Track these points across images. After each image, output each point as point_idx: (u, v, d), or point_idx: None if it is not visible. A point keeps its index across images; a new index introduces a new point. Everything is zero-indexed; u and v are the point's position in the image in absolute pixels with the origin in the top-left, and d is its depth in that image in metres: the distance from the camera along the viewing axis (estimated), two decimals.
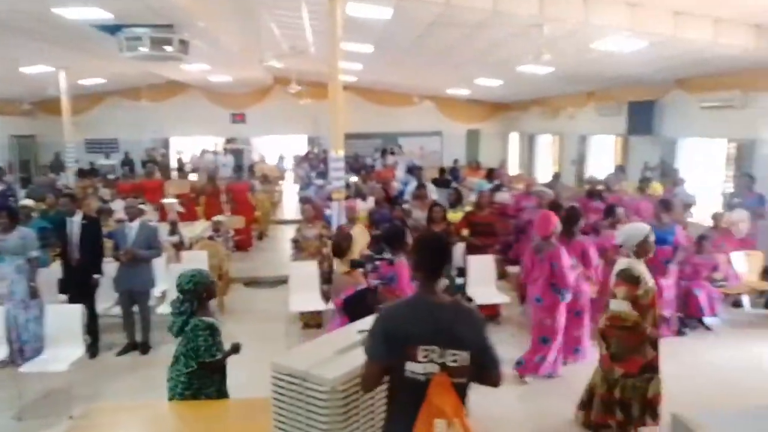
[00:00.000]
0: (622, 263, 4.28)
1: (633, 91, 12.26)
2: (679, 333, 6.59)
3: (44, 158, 17.60)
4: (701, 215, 9.25)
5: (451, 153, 19.57)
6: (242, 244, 10.55)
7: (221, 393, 3.90)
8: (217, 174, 12.81)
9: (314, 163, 16.67)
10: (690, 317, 6.78)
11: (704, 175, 10.73)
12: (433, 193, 9.77)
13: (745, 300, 7.49)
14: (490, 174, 11.40)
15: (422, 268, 2.52)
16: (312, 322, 7.01)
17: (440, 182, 11.67)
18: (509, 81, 14.24)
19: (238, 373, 5.60)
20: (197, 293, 3.78)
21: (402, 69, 14.52)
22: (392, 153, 18.75)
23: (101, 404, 4.79)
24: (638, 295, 4.10)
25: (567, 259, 5.32)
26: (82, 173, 13.98)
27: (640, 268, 4.18)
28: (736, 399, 5.00)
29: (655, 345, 4.22)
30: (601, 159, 14.75)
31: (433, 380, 2.36)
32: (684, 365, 5.78)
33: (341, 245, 4.21)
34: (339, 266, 4.22)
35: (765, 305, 7.47)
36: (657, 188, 9.53)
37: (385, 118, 19.99)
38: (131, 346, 6.44)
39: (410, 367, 2.37)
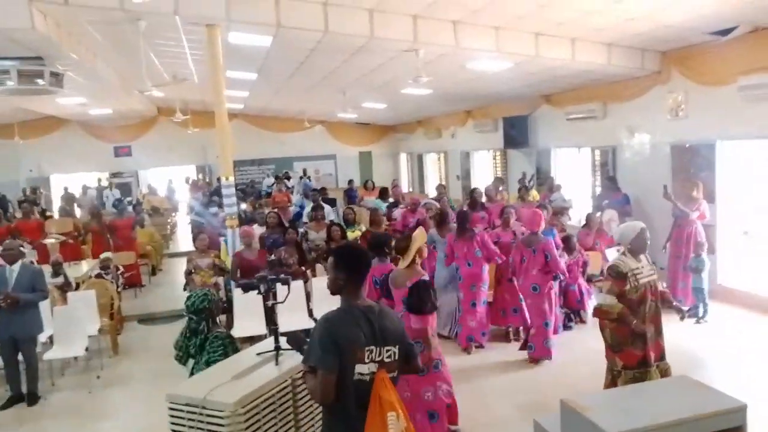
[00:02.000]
0: (614, 259, 4.47)
1: (507, 107, 13.18)
2: (566, 327, 7.18)
3: None
4: (577, 218, 10.06)
5: (345, 175, 19.92)
6: (133, 281, 10.15)
7: None
8: (101, 210, 12.26)
9: (206, 191, 16.32)
10: (571, 310, 7.39)
11: (577, 180, 11.69)
12: (331, 215, 10.00)
13: None
14: (383, 193, 11.77)
15: (348, 277, 2.68)
16: None
17: (326, 201, 12.01)
18: (393, 103, 14.81)
19: (140, 415, 5.49)
20: (211, 311, 4.00)
21: (289, 95, 14.67)
22: (287, 178, 18.77)
23: None
24: (626, 291, 4.22)
25: (555, 249, 6.24)
26: None
27: (632, 264, 4.29)
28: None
29: (644, 339, 4.27)
30: (485, 172, 15.65)
31: (376, 378, 2.57)
32: (573, 354, 6.34)
33: (401, 245, 4.77)
34: (401, 263, 4.74)
35: None
36: (535, 196, 10.27)
37: (279, 144, 20.04)
38: (17, 398, 6.02)
39: (358, 369, 2.55)
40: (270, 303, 3.55)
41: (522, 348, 6.50)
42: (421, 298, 4.30)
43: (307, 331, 3.19)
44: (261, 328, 6.59)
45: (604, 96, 10.19)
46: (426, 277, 4.56)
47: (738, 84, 7.27)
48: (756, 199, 8.14)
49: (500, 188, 11.12)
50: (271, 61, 9.90)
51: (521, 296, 6.62)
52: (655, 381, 4.06)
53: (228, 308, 7.12)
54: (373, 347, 2.59)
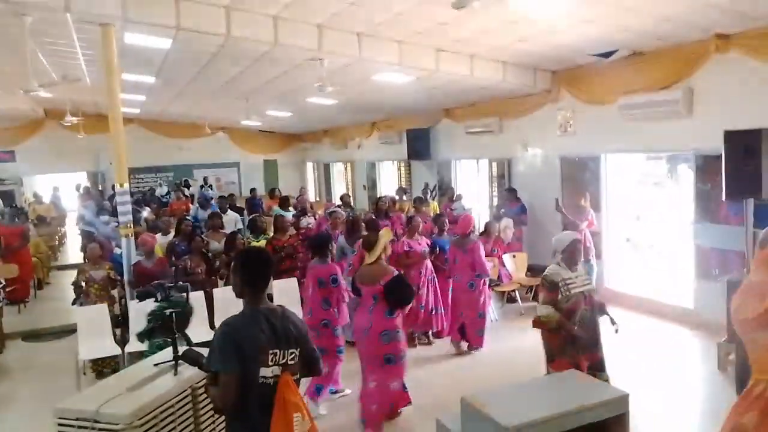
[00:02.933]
0: (547, 269, 4.46)
1: (410, 120, 13.55)
2: None
3: None
4: (477, 226, 10.47)
5: (249, 183, 19.51)
6: (18, 295, 9.41)
7: None
8: None
9: (98, 199, 15.44)
10: None
11: (476, 190, 12.18)
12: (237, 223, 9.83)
13: (517, 294, 8.66)
14: (284, 201, 11.64)
15: (251, 281, 2.70)
16: (107, 369, 6.53)
17: (234, 209, 11.75)
18: (298, 112, 14.77)
19: None
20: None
21: (189, 100, 14.23)
22: (187, 186, 18.15)
23: None
24: (558, 300, 4.27)
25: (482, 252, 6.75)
26: None
27: (564, 274, 4.32)
28: (516, 377, 5.75)
29: (576, 349, 4.29)
30: (390, 182, 15.95)
31: (281, 380, 2.60)
32: (472, 354, 6.74)
33: (370, 240, 4.87)
34: (367, 259, 4.84)
35: (533, 298, 8.68)
36: (434, 206, 10.58)
37: (178, 150, 19.33)
38: None
39: (262, 372, 2.57)
40: (168, 312, 3.43)
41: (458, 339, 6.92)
42: (402, 291, 4.64)
43: (206, 344, 3.13)
44: (112, 348, 6.37)
45: (500, 112, 10.72)
46: (396, 273, 4.79)
47: (618, 103, 7.92)
48: (636, 208, 8.90)
49: (403, 198, 11.37)
50: (171, 64, 9.58)
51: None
52: (549, 376, 4.26)
53: (123, 322, 6.77)
54: (276, 350, 2.62)
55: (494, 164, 11.42)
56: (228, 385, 2.52)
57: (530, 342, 7.04)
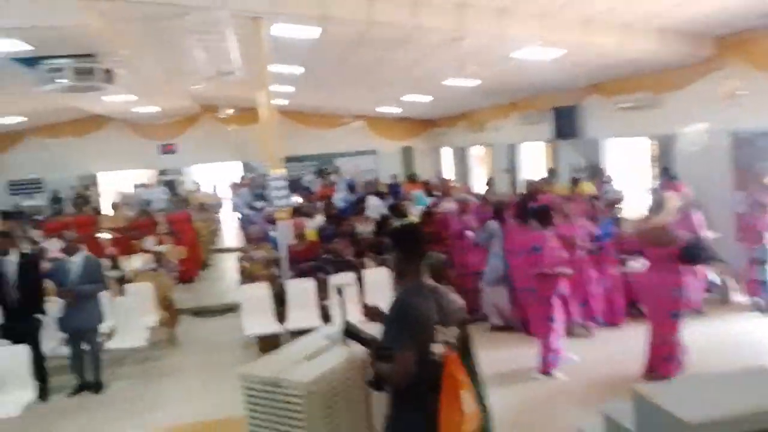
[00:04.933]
0: None
1: (555, 97, 12.87)
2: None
3: None
4: (629, 210, 9.78)
5: (386, 170, 19.82)
6: (188, 275, 10.32)
7: None
8: (149, 207, 12.57)
9: (252, 187, 16.53)
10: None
11: (631, 172, 11.37)
12: (379, 208, 10.03)
13: None
14: (426, 186, 11.66)
15: (412, 257, 2.69)
16: (268, 346, 6.91)
17: (377, 194, 11.96)
18: (437, 96, 14.65)
19: (196, 404, 5.57)
20: None
21: (331, 90, 14.67)
22: (329, 173, 18.88)
23: None
24: None
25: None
26: (5, 215, 13.28)
27: None
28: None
29: None
30: (533, 164, 15.35)
31: (448, 357, 2.55)
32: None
33: (658, 202, 5.55)
34: (655, 221, 5.39)
35: None
36: (586, 188, 10.03)
37: (319, 140, 20.03)
38: (83, 386, 6.18)
39: (432, 348, 2.54)
40: (338, 288, 3.49)
41: None
42: (701, 249, 5.19)
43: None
44: (314, 320, 6.60)
45: (656, 84, 9.84)
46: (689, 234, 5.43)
47: None
48: None
49: (551, 181, 10.89)
50: (315, 54, 9.89)
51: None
52: (729, 371, 3.86)
53: (282, 300, 7.14)
54: (442, 327, 2.59)
55: (651, 142, 10.54)
56: (405, 361, 2.50)
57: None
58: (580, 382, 5.45)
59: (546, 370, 5.60)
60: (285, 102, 16.53)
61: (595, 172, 11.52)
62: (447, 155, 21.66)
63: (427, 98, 14.99)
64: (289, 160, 19.86)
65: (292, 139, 18.93)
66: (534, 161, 15.34)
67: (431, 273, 2.79)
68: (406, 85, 13.14)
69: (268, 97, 7.74)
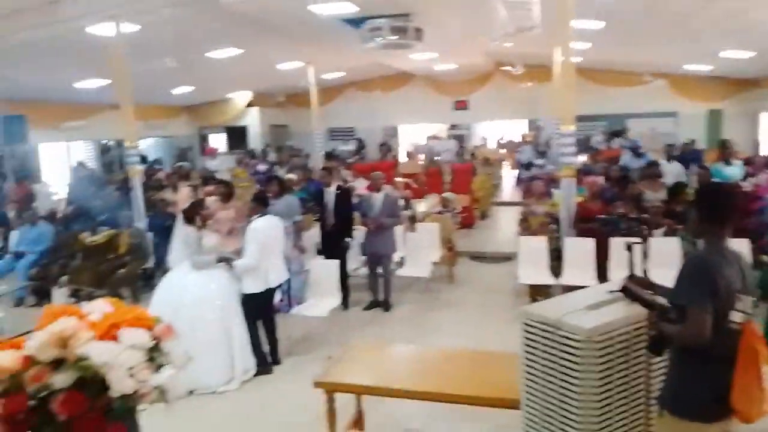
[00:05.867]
0: None
1: None
2: None
3: (296, 145, 19.95)
4: None
5: (687, 135, 17.80)
6: (465, 222, 10.97)
7: None
8: (437, 157, 13.55)
9: (536, 144, 16.53)
10: None
11: None
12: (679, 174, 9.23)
13: None
14: (748, 162, 10.15)
15: (717, 218, 2.55)
16: (539, 296, 7.08)
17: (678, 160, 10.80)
18: (762, 50, 12.51)
19: (473, 333, 6.04)
20: None
21: (632, 46, 13.60)
22: (618, 135, 17.81)
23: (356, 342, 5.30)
24: None
25: None
26: (328, 156, 15.63)
27: None
28: None
29: None
30: None
31: (747, 327, 2.41)
32: None
33: None
34: None
35: None
36: None
37: (612, 99, 18.86)
38: (375, 303, 7.19)
39: (732, 316, 2.42)
40: (627, 245, 3.41)
41: None
42: None
43: None
44: (590, 280, 6.53)
45: None
46: None
47: None
48: None
49: None
50: (620, 6, 9.30)
51: None
52: None
53: (558, 256, 7.17)
54: (742, 295, 2.42)
55: None
56: (699, 321, 2.37)
57: None
58: None
59: None
60: (579, 59, 15.88)
61: None
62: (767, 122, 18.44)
63: (747, 54, 12.93)
64: (579, 119, 19.17)
65: (583, 98, 18.14)
66: None
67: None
68: (723, 38, 11.52)
69: (567, 54, 7.62)
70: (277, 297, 6.23)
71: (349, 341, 6.11)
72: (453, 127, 21.15)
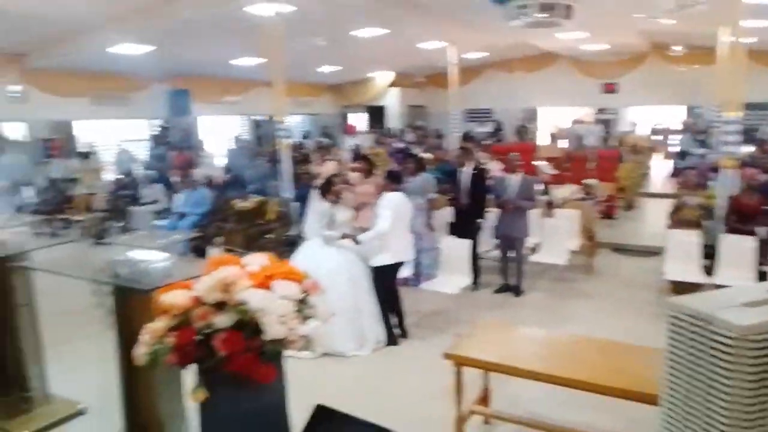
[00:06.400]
0: None
1: None
2: None
3: (431, 126, 20.07)
4: None
5: None
6: (608, 212, 10.44)
7: None
8: (582, 142, 12.92)
9: (694, 132, 15.22)
10: None
11: None
12: None
13: None
14: None
15: None
16: (686, 292, 6.59)
17: None
18: None
19: (609, 325, 5.80)
20: None
21: None
22: None
23: (485, 321, 5.21)
24: None
25: None
26: (465, 137, 15.57)
27: None
28: None
29: None
30: None
31: None
32: None
33: None
34: None
35: None
36: None
37: None
38: (505, 287, 7.11)
39: None
40: None
41: None
42: None
43: None
44: (697, 276, 6.28)
45: None
46: None
47: None
48: None
49: None
50: None
51: None
52: None
53: (712, 253, 6.62)
54: None
55: None
56: None
57: None
58: None
59: None
60: (752, 39, 14.30)
61: None
62: None
63: None
64: (747, 106, 17.18)
65: (755, 84, 16.29)
66: None
67: None
68: None
69: (736, 34, 6.93)
70: (406, 271, 6.37)
71: (476, 321, 6.17)
72: (600, 111, 20.03)
